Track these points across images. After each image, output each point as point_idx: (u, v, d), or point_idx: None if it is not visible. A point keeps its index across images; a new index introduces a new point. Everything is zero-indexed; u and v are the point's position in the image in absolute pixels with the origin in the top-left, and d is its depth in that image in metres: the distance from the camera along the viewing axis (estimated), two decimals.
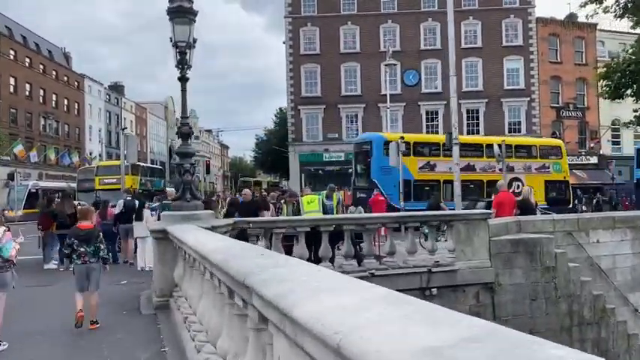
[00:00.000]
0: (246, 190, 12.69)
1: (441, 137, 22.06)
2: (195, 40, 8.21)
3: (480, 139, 29.09)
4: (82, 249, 7.15)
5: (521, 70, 39.93)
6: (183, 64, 8.18)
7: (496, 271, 10.16)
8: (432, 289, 9.60)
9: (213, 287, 4.07)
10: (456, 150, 14.11)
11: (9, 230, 6.66)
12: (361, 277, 9.55)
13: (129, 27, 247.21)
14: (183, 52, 8.00)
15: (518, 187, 22.16)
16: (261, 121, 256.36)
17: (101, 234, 8.00)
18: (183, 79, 8.30)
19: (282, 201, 12.57)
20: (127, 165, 36.34)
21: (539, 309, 10.49)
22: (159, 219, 11.79)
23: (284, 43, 42.23)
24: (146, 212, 12.28)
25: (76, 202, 17.62)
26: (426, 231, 10.70)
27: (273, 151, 64.68)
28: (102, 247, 7.29)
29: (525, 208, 11.65)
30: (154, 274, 8.06)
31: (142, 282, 9.58)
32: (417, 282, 9.53)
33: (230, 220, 8.28)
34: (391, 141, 20.24)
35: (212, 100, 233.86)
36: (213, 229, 7.31)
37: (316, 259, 8.92)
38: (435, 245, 9.89)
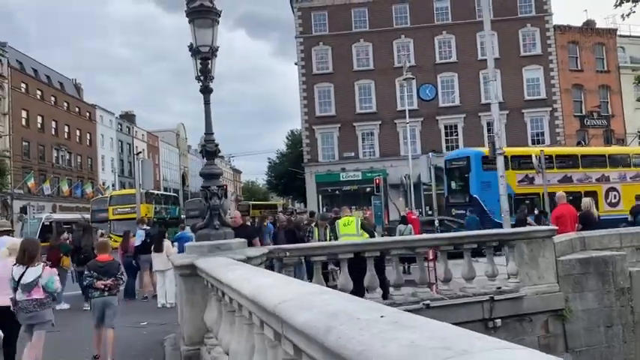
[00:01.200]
0: (236, 213, 10.66)
1: (536, 150, 21.20)
2: (217, 48, 7.21)
3: (574, 150, 27.96)
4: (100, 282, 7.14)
5: (542, 79, 38.77)
6: (206, 73, 7.16)
7: (565, 296, 8.91)
8: (496, 320, 8.36)
9: (272, 346, 2.96)
10: (500, 161, 12.93)
11: (47, 265, 6.67)
12: (415, 310, 8.34)
13: (138, 59, 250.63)
14: (206, 59, 6.98)
15: (615, 197, 21.26)
16: (271, 145, 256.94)
17: (121, 266, 8.05)
18: (206, 91, 7.28)
19: (313, 224, 11.42)
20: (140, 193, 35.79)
21: (616, 337, 9.18)
22: (179, 251, 10.71)
23: (296, 64, 41.59)
24: (166, 243, 11.21)
25: (99, 234, 16.65)
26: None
27: (286, 174, 63.81)
28: (121, 280, 7.28)
29: (587, 221, 10.41)
30: (180, 317, 6.94)
31: (165, 323, 8.47)
32: (478, 312, 8.30)
33: (264, 249, 7.14)
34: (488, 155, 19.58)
35: (221, 127, 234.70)
36: (248, 260, 6.21)
37: (359, 290, 7.75)
38: (496, 269, 8.67)
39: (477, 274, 8.58)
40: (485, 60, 38.64)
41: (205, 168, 7.24)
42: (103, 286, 7.33)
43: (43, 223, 32.85)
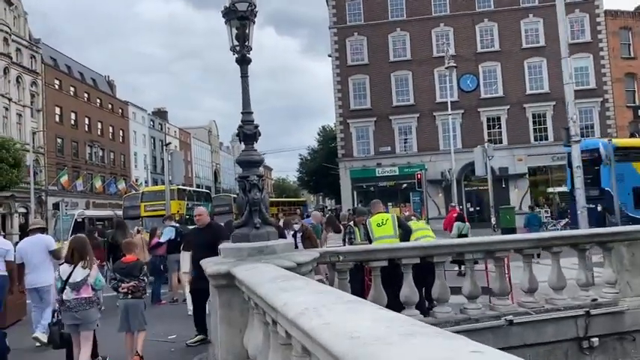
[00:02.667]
0: (200, 209, 7.90)
1: None
2: (255, 8, 5.94)
3: None
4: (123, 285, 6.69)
5: (591, 68, 36.40)
6: (243, 39, 5.91)
7: None
8: (592, 339, 6.88)
9: None
10: (575, 150, 11.35)
11: (94, 263, 6.37)
12: (495, 327, 6.92)
13: (168, 57, 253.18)
14: (243, 19, 5.71)
15: None
16: (299, 143, 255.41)
17: (145, 267, 7.32)
18: (243, 61, 6.02)
19: (352, 223, 9.99)
20: (171, 190, 35.02)
21: None
22: None
23: (329, 55, 40.21)
24: None
25: (135, 230, 15.66)
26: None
27: (317, 171, 62.63)
28: (143, 282, 6.78)
29: None
30: (213, 335, 5.74)
31: (172, 335, 7.28)
32: (570, 330, 6.83)
33: (315, 253, 5.84)
34: (622, 147, 18.49)
35: None
36: (298, 267, 4.93)
37: (394, 304, 6.34)
38: (591, 277, 7.17)
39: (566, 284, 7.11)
40: (531, 48, 36.86)
41: (243, 154, 5.98)
42: (126, 289, 6.69)
43: (76, 219, 32.41)
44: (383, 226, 7.40)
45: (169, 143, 13.58)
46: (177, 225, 13.35)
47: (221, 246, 5.94)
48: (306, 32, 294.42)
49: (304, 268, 5.19)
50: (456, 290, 7.04)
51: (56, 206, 35.10)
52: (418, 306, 6.59)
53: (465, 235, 13.48)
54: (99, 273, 6.36)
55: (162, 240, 12.20)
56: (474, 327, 6.43)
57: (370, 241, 7.82)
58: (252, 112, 6.08)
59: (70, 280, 6.02)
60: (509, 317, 6.59)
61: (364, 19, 38.48)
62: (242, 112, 6.06)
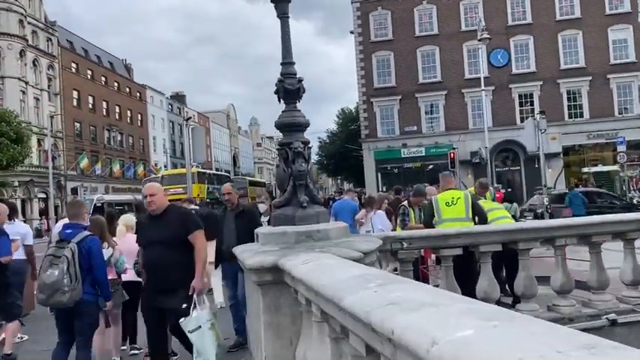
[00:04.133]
0: (151, 188, 5.05)
1: None
2: None
3: None
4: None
5: (630, 40, 34.26)
6: None
7: None
8: None
9: None
10: None
11: (116, 244, 5.97)
12: (595, 329, 5.64)
13: (183, 42, 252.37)
14: None
15: None
16: (316, 126, 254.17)
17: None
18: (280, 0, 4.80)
19: (406, 203, 8.67)
20: (191, 173, 34.11)
21: None
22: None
23: (352, 32, 38.63)
24: None
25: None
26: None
27: (337, 154, 61.32)
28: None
29: None
30: (254, 344, 4.58)
31: (226, 338, 6.15)
32: None
33: (377, 239, 4.61)
34: None
35: (266, 110, 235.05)
36: (365, 256, 3.76)
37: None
38: None
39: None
40: (565, 20, 34.82)
41: (284, 116, 4.76)
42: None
43: (95, 204, 31.68)
44: (453, 206, 6.01)
45: (190, 118, 12.62)
46: (198, 207, 12.27)
47: (259, 230, 4.75)
48: (321, 15, 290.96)
49: (368, 258, 3.99)
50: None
51: (75, 191, 34.47)
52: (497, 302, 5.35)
53: (515, 217, 12.14)
54: (121, 255, 5.92)
55: None
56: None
57: (427, 226, 6.45)
58: (293, 63, 4.83)
59: None
60: (612, 316, 5.32)
61: None
62: (282, 64, 4.82)
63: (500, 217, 6.36)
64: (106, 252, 5.66)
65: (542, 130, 13.59)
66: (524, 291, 5.26)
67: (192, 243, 4.91)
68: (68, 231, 4.99)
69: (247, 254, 3.92)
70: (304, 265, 2.96)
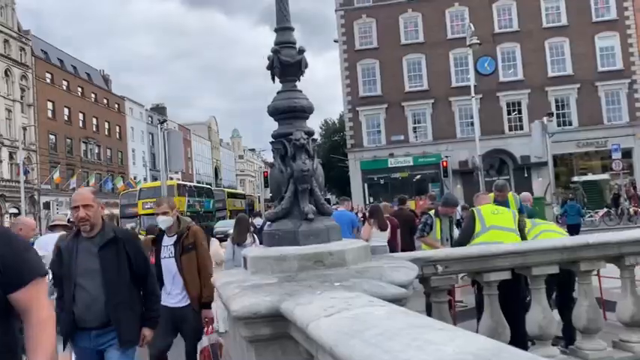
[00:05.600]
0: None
1: None
2: None
3: None
4: None
5: (617, 48, 33.91)
6: None
7: None
8: None
9: None
10: None
11: None
12: None
13: (163, 56, 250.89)
14: None
15: None
16: None
17: None
18: None
19: (433, 212, 7.30)
20: (170, 185, 32.65)
21: None
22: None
23: (335, 41, 37.78)
24: (214, 243, 7.56)
25: (131, 226, 13.26)
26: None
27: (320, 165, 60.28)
28: None
29: None
30: None
31: None
32: None
33: (411, 264, 3.42)
34: None
35: (247, 122, 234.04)
36: (400, 301, 2.59)
37: (517, 339, 4.02)
38: None
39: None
40: (552, 28, 34.39)
41: (281, 98, 3.60)
42: None
43: (68, 219, 29.99)
44: (499, 214, 4.91)
45: (165, 121, 11.48)
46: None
47: (248, 252, 3.54)
48: (299, 27, 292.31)
49: (407, 292, 2.82)
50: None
51: (47, 206, 32.72)
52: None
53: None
54: None
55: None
56: None
57: (465, 242, 5.15)
58: (292, 29, 3.69)
59: None
60: None
61: (373, 0, 36.02)
62: (276, 30, 3.69)
63: (548, 231, 5.23)
64: None
65: (550, 135, 12.65)
66: (588, 325, 4.15)
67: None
68: None
69: (231, 290, 2.72)
70: (329, 319, 1.77)
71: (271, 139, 3.63)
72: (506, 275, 3.97)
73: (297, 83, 3.68)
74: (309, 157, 3.45)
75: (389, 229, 8.43)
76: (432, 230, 6.75)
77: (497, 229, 4.94)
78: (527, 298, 4.48)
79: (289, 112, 3.53)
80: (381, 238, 8.38)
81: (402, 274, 2.89)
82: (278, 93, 3.63)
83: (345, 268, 3.09)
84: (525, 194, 7.76)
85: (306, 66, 3.67)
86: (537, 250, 3.99)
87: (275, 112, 3.57)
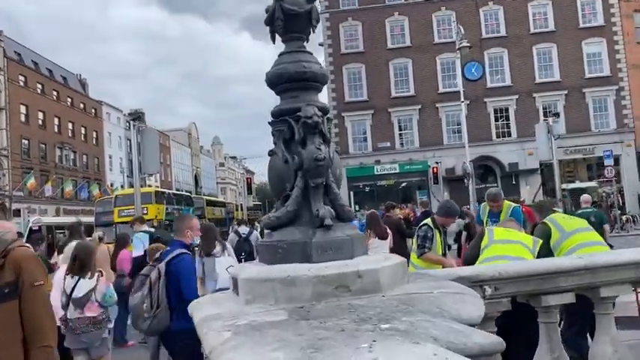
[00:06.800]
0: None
1: None
2: None
3: None
4: None
5: (605, 54, 33.73)
6: None
7: None
8: None
9: None
10: None
11: (102, 274, 5.40)
12: None
13: (144, 63, 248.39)
14: None
15: None
16: None
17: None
18: None
19: (430, 220, 6.43)
20: (148, 192, 31.35)
21: None
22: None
23: (320, 44, 36.99)
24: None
25: (96, 237, 12.14)
26: None
27: None
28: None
29: None
30: None
31: None
32: None
33: (474, 292, 2.51)
34: None
35: (227, 130, 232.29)
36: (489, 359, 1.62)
37: None
38: None
39: None
40: (539, 33, 34.07)
41: (284, 61, 2.65)
42: None
43: (31, 227, 28.37)
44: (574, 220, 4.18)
45: (138, 117, 10.42)
46: (152, 230, 9.95)
47: (240, 273, 2.56)
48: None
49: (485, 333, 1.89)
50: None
51: (17, 213, 31.16)
52: None
53: None
54: (109, 287, 5.46)
55: (135, 254, 8.73)
56: None
57: (468, 263, 4.25)
58: None
59: (73, 296, 5.19)
60: None
61: (359, 3, 35.36)
62: None
63: (587, 244, 4.27)
64: (88, 283, 5.14)
65: (556, 137, 11.89)
66: None
67: None
68: (168, 249, 4.55)
69: (218, 335, 1.75)
70: None
71: (271, 119, 2.69)
72: (569, 298, 3.06)
73: (306, 44, 2.76)
74: (324, 142, 2.51)
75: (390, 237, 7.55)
76: (432, 244, 5.82)
77: (581, 233, 4.47)
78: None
79: (297, 80, 2.57)
80: (381, 248, 7.48)
81: (471, 306, 1.96)
82: (280, 55, 2.68)
83: (381, 295, 2.14)
84: (586, 196, 7.18)
85: (317, 20, 2.73)
86: (613, 267, 3.10)
87: (277, 80, 2.61)
